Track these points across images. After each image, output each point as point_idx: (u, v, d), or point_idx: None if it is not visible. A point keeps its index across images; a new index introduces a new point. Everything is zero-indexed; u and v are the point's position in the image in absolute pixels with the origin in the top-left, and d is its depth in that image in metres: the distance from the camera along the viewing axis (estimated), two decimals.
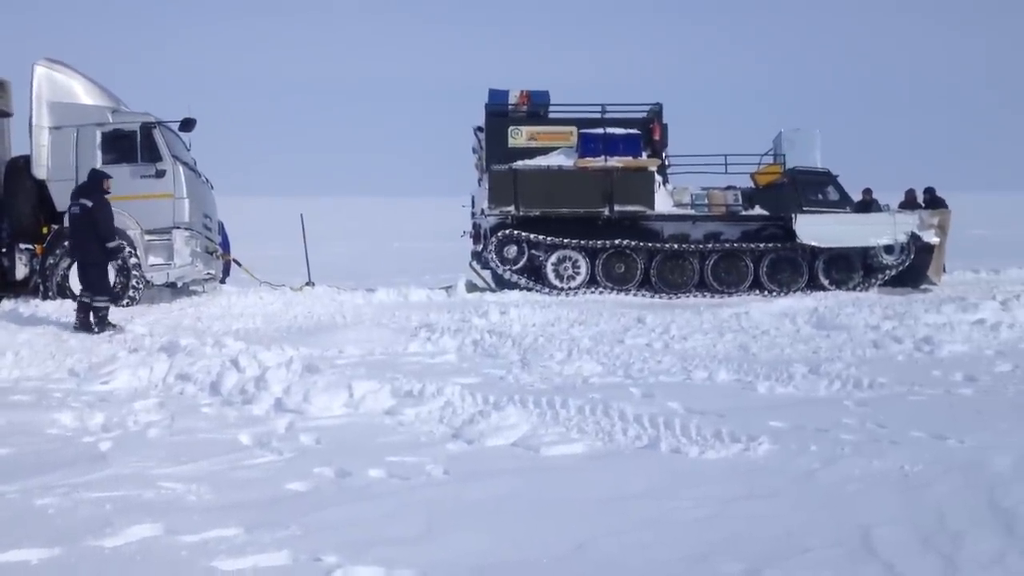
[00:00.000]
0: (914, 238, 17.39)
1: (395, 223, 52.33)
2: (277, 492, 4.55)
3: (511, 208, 17.44)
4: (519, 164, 17.51)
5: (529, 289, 17.07)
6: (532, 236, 17.32)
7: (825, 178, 18.17)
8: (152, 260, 14.13)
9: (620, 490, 4.49)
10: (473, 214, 19.23)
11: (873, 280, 17.46)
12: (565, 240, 17.26)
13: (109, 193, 11.43)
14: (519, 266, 17.45)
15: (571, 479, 4.73)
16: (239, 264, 17.38)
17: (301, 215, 18.19)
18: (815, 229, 17.21)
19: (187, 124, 14.58)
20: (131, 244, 13.87)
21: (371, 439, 5.64)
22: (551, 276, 17.32)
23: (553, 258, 17.36)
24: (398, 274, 22.04)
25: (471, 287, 17.43)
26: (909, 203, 18.95)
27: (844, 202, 17.98)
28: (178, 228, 14.18)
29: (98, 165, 13.86)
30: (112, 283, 13.57)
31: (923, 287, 17.52)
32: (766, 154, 18.82)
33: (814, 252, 17.44)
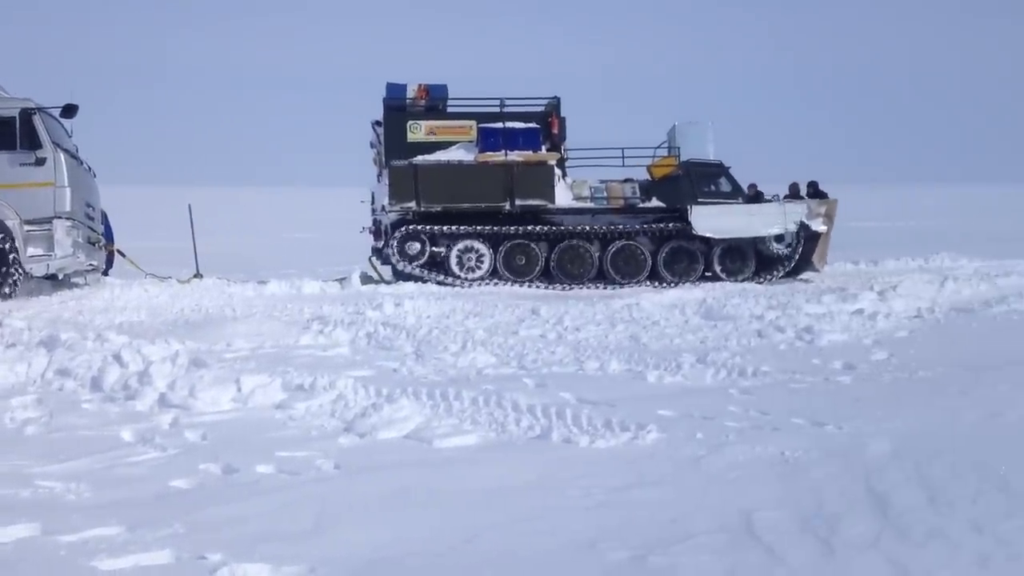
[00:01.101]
0: (803, 227, 17.93)
1: (292, 213, 51.57)
2: (160, 490, 4.44)
3: (412, 204, 17.37)
4: (419, 159, 17.45)
5: (439, 283, 16.97)
6: (435, 228, 17.29)
7: (718, 170, 18.61)
8: (31, 251, 13.57)
9: (511, 480, 4.53)
10: (373, 210, 19.08)
11: (772, 272, 17.93)
12: (467, 229, 17.29)
13: None
14: (422, 261, 17.40)
15: (463, 471, 4.74)
16: (123, 255, 16.90)
17: (189, 205, 17.77)
18: (709, 221, 17.62)
19: (69, 111, 14.06)
20: (9, 235, 13.33)
21: (260, 434, 5.55)
22: (455, 267, 17.32)
23: (456, 251, 17.36)
24: (292, 266, 21.72)
25: (365, 279, 17.29)
26: (792, 196, 19.54)
27: (736, 193, 18.43)
28: (59, 218, 13.65)
29: None
30: None
31: (802, 277, 18.10)
32: (659, 147, 19.16)
33: (709, 243, 17.84)
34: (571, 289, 17.00)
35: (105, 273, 16.41)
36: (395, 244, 17.38)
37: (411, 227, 17.38)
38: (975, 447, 4.79)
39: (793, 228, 17.92)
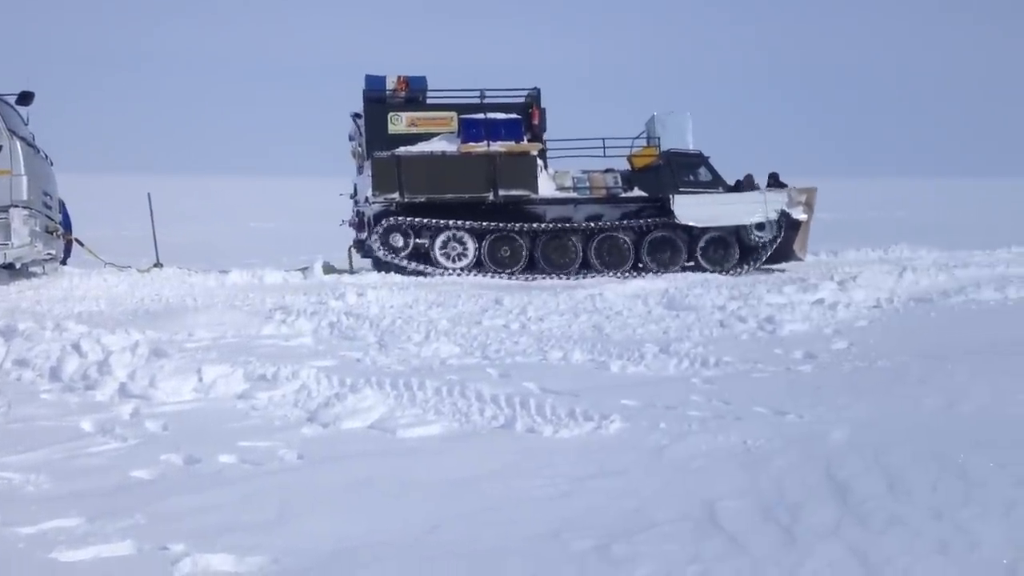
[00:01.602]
0: (784, 215, 18.08)
1: (260, 202, 51.10)
2: (121, 480, 4.39)
3: (395, 195, 17.34)
4: (402, 150, 17.40)
5: (423, 274, 16.92)
6: (418, 220, 17.25)
7: (697, 160, 18.71)
8: None
9: (475, 470, 4.52)
10: (356, 202, 18.97)
11: (753, 260, 18.07)
12: (452, 222, 17.27)
13: None
14: (406, 253, 17.36)
15: (427, 461, 4.74)
16: (81, 244, 16.68)
17: (148, 194, 17.58)
18: (691, 209, 17.75)
19: (25, 98, 13.86)
20: None
21: (222, 424, 5.50)
22: (439, 258, 17.30)
23: (440, 242, 17.34)
24: (255, 255, 21.52)
25: (328, 268, 17.20)
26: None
27: (716, 182, 18.54)
28: (16, 207, 13.44)
29: None
30: None
31: (764, 267, 18.25)
32: (639, 137, 19.23)
33: (692, 232, 17.95)
34: (534, 280, 17.00)
35: (63, 262, 16.20)
36: (379, 236, 17.33)
37: (395, 219, 17.34)
38: (934, 435, 4.84)
39: (774, 216, 18.08)
